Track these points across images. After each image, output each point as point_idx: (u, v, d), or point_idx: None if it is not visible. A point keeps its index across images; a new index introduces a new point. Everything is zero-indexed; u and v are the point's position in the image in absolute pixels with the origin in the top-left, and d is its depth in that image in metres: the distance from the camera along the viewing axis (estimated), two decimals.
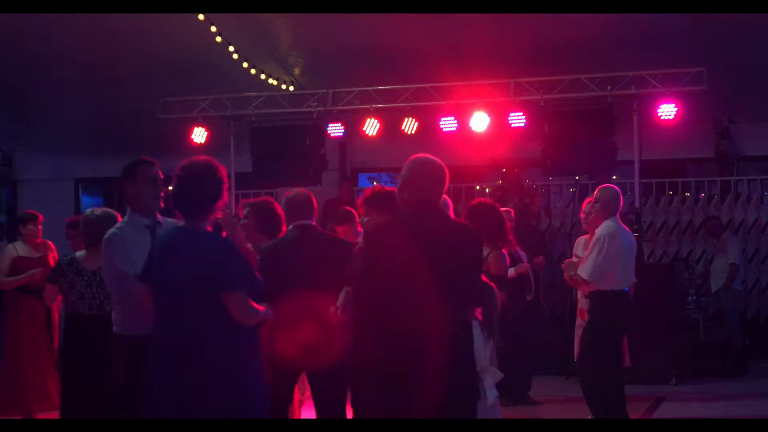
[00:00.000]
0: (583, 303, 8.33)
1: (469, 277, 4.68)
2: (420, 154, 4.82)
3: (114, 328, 5.41)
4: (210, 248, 4.58)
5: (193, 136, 12.63)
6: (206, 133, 12.64)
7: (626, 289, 7.60)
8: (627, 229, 7.82)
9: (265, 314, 4.67)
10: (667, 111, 11.28)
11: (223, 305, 4.50)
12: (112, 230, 5.36)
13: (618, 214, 7.74)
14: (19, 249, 9.15)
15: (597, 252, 7.47)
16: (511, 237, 8.51)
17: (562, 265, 7.94)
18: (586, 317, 7.94)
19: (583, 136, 11.39)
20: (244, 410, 4.51)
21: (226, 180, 4.72)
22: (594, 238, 7.60)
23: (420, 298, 4.45)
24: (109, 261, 5.29)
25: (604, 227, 7.59)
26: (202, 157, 4.77)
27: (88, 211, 6.70)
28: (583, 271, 7.51)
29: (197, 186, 4.65)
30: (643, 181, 12.20)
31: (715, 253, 12.82)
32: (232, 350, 4.53)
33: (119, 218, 5.91)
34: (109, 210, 6.63)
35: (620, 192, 7.80)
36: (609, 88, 11.39)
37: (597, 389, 7.53)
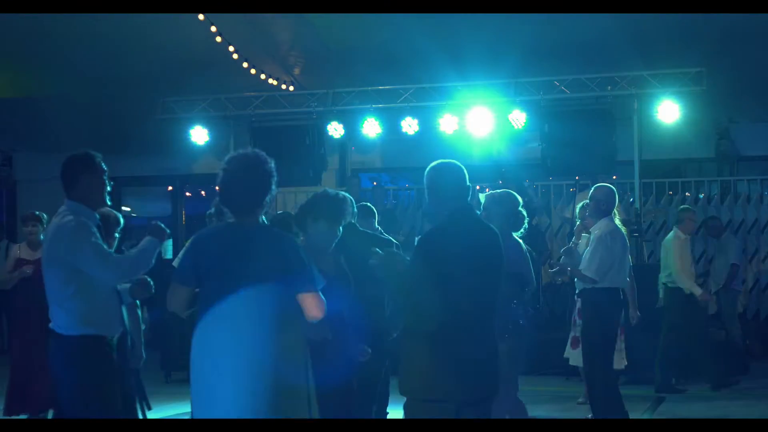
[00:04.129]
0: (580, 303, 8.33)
1: (500, 275, 4.88)
2: (438, 162, 4.89)
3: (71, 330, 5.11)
4: (284, 247, 4.45)
5: (193, 136, 12.64)
6: (206, 133, 12.65)
7: (620, 288, 7.63)
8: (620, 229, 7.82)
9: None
10: (667, 111, 11.29)
11: (293, 303, 4.40)
12: (86, 221, 5.15)
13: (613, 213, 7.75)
14: (21, 250, 9.17)
15: (602, 249, 7.44)
16: None
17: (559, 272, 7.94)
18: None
19: (583, 136, 11.39)
20: (311, 410, 4.47)
21: (274, 173, 4.55)
22: (594, 236, 7.57)
23: (480, 301, 4.70)
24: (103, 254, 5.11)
25: (602, 225, 7.58)
26: (250, 150, 4.63)
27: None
28: (589, 270, 7.46)
29: (248, 180, 4.47)
30: (643, 181, 12.20)
31: (715, 253, 12.83)
32: (301, 349, 4.46)
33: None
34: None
35: (615, 191, 7.80)
36: (609, 88, 11.40)
37: (600, 389, 7.53)
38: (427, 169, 4.87)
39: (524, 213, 6.72)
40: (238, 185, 4.48)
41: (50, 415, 8.40)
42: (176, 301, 4.56)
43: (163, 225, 5.39)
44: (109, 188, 5.34)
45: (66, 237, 5.10)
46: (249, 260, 4.39)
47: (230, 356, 4.33)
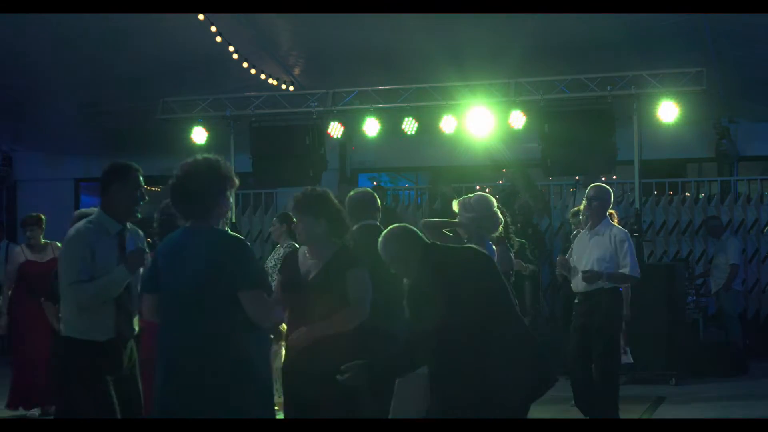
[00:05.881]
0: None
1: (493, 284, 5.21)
2: (389, 232, 5.04)
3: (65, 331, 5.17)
4: (222, 245, 4.50)
5: (193, 136, 12.63)
6: (206, 133, 12.64)
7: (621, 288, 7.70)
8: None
9: (279, 315, 4.61)
10: (667, 111, 11.28)
11: (239, 306, 4.41)
12: (90, 229, 5.14)
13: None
14: (26, 252, 9.26)
15: (633, 247, 7.60)
16: None
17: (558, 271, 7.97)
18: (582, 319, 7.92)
19: (583, 136, 11.39)
20: (253, 411, 4.48)
21: (227, 177, 4.59)
22: (618, 238, 7.62)
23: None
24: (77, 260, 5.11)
25: (610, 225, 7.66)
26: (205, 156, 4.66)
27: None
28: (634, 270, 7.57)
29: (193, 185, 4.53)
30: (643, 181, 12.20)
31: (715, 253, 12.83)
32: (245, 351, 4.47)
33: None
34: None
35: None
36: (609, 88, 11.38)
37: (599, 389, 7.53)
38: (381, 240, 4.98)
39: (499, 214, 6.68)
40: (185, 190, 4.55)
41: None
42: (145, 308, 4.71)
43: (147, 251, 5.26)
44: (142, 203, 5.26)
45: (63, 244, 5.15)
46: (192, 263, 4.47)
47: (175, 357, 4.44)
